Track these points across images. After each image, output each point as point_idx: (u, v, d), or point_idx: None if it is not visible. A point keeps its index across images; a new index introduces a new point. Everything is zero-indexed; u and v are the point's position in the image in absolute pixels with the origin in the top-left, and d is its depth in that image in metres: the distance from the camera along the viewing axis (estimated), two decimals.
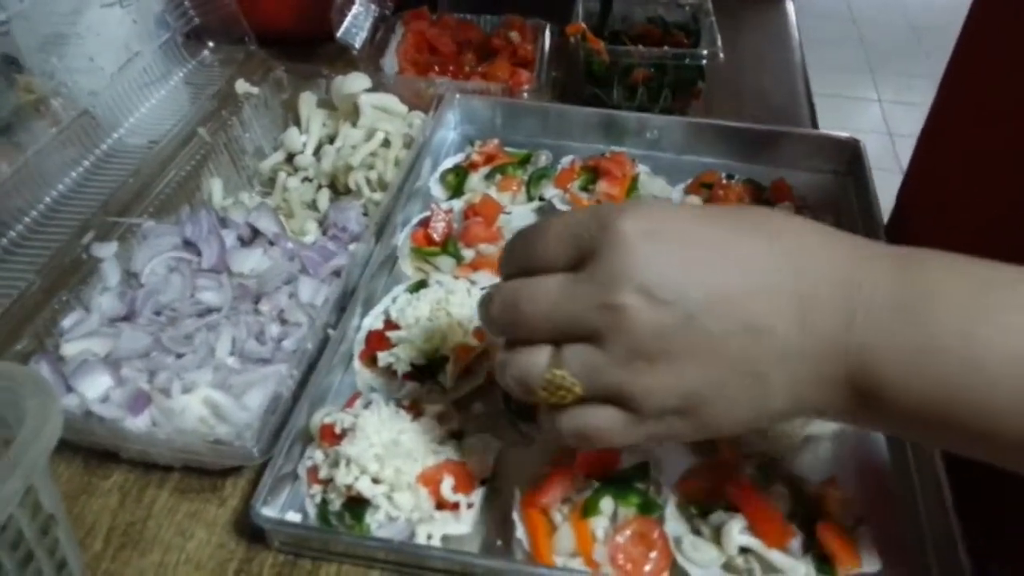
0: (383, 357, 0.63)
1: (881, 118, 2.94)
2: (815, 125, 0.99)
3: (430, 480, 0.54)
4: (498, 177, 0.83)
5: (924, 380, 0.39)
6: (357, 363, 0.65)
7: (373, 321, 0.66)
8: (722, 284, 0.41)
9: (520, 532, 0.54)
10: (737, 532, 0.52)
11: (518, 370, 0.44)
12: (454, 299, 0.65)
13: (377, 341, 0.64)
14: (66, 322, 0.65)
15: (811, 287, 0.41)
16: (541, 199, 0.82)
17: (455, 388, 0.63)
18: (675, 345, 0.41)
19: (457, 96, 0.91)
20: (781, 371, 0.41)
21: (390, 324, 0.65)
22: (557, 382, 0.43)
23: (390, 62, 0.99)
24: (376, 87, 0.87)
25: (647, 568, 0.52)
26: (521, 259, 0.46)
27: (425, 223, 0.76)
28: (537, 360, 0.43)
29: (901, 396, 0.40)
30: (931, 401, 0.39)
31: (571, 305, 0.42)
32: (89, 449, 0.60)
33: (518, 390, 0.45)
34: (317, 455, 0.57)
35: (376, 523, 0.54)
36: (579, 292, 0.42)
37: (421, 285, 0.68)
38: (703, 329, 0.40)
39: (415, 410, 0.59)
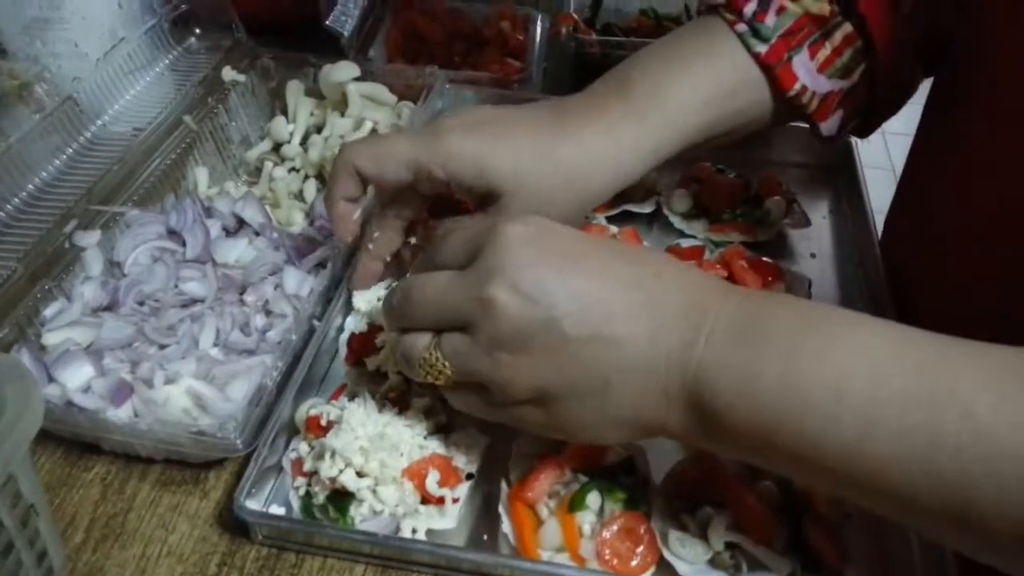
0: (371, 362, 0.62)
1: None
2: None
3: (415, 474, 0.54)
4: None
5: (749, 402, 0.43)
6: (343, 364, 0.64)
7: (356, 323, 0.66)
8: (585, 294, 0.45)
9: (506, 526, 0.54)
10: (724, 528, 0.52)
11: (402, 350, 0.50)
12: None
13: (361, 344, 0.63)
14: (48, 311, 0.64)
15: (664, 307, 0.45)
16: None
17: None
18: (534, 342, 0.45)
19: (446, 86, 0.90)
20: (627, 380, 0.45)
21: (375, 327, 0.64)
22: (432, 363, 0.48)
23: (379, 51, 0.98)
24: (364, 76, 0.86)
25: (633, 563, 0.52)
26: (428, 260, 0.51)
27: None
28: (417, 343, 0.49)
29: (731, 418, 0.43)
30: (757, 424, 0.43)
31: (450, 296, 0.47)
32: (70, 440, 0.60)
33: (404, 369, 0.51)
34: (302, 447, 0.56)
35: (360, 517, 0.53)
36: (458, 284, 0.47)
37: None
38: (562, 331, 0.44)
39: (401, 403, 0.58)
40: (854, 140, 0.85)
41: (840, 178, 0.84)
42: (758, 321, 0.44)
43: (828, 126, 0.68)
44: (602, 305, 0.45)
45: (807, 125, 0.69)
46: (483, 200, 0.59)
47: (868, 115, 0.70)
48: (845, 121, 0.68)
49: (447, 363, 0.48)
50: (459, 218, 0.60)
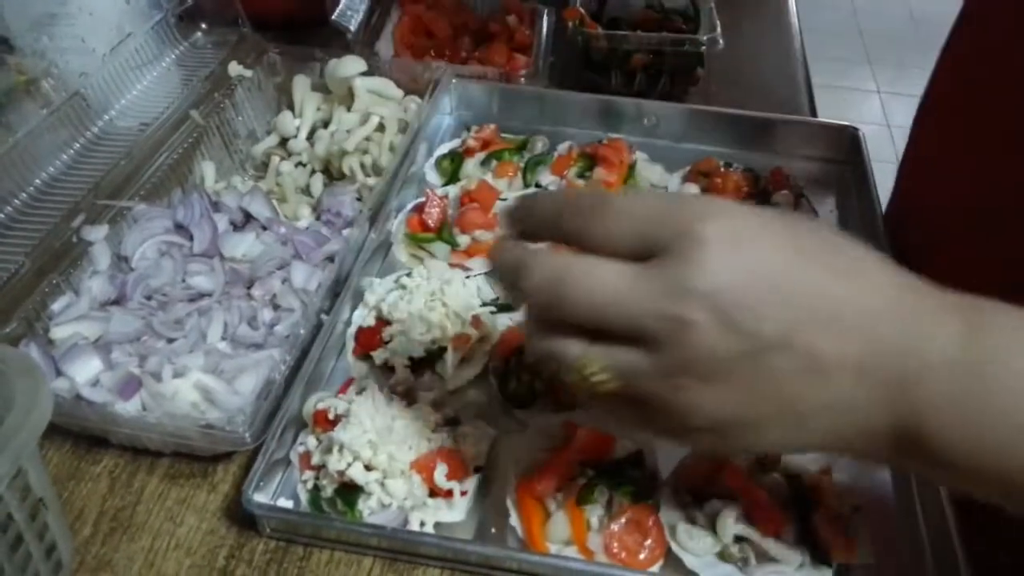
0: (379, 355, 0.62)
1: (880, 109, 2.93)
2: (814, 114, 0.98)
3: (423, 467, 0.54)
4: (494, 163, 0.82)
5: (981, 445, 0.38)
6: (351, 357, 0.64)
7: (363, 316, 0.65)
8: (794, 322, 0.38)
9: (514, 519, 0.54)
10: (732, 520, 0.52)
11: (550, 351, 0.41)
12: (449, 289, 0.64)
13: (368, 338, 0.63)
14: (56, 306, 0.64)
15: (878, 334, 0.38)
16: (538, 186, 0.81)
17: (454, 377, 0.63)
18: (731, 373, 0.38)
19: (453, 80, 0.90)
20: (825, 417, 0.39)
21: (382, 320, 0.64)
22: (587, 374, 0.40)
23: (385, 46, 0.98)
24: (371, 71, 0.86)
25: (641, 556, 0.52)
26: (572, 228, 0.41)
27: (420, 209, 0.75)
28: (572, 348, 0.40)
29: (956, 457, 0.38)
30: (986, 464, 0.38)
31: (631, 305, 0.38)
32: (79, 434, 0.60)
33: (548, 362, 0.42)
34: (310, 441, 0.56)
35: (368, 510, 0.53)
36: (643, 294, 0.38)
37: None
38: (767, 365, 0.38)
39: (409, 397, 0.58)
40: (861, 133, 0.84)
41: (848, 172, 0.84)
42: (988, 352, 0.38)
43: None
44: (813, 334, 0.38)
45: None
46: None
47: None
48: None
49: (612, 378, 0.40)
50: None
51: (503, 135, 0.85)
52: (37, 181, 0.76)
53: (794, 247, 0.40)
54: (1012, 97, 0.60)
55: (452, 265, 0.71)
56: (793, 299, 0.38)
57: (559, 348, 0.40)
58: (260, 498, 0.54)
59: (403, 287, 0.65)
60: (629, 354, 0.39)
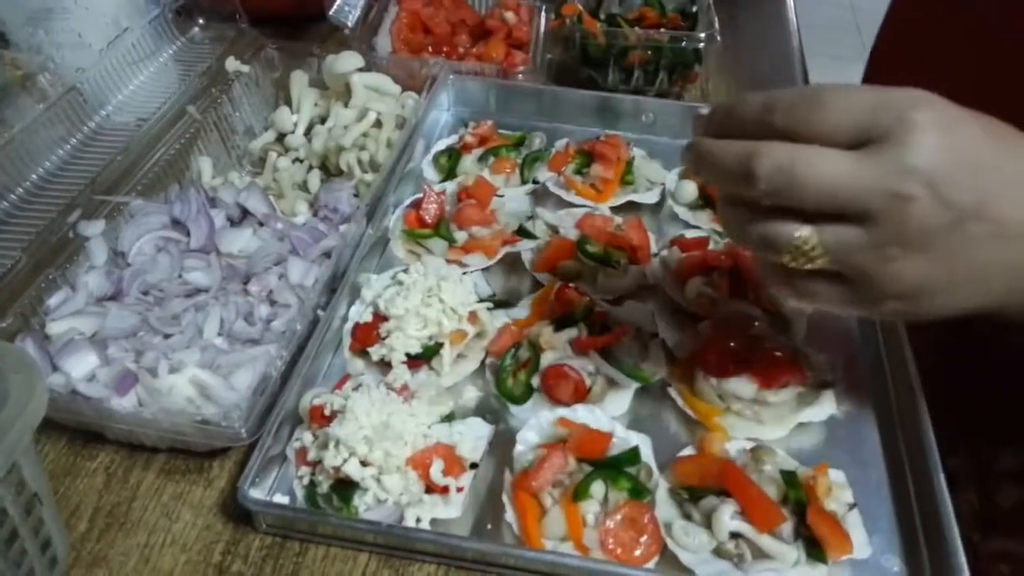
0: (375, 351, 0.62)
1: None
2: None
3: (419, 463, 0.54)
4: (491, 159, 0.82)
5: None
6: (347, 354, 0.64)
7: (360, 312, 0.65)
8: (988, 194, 0.43)
9: (510, 515, 0.54)
10: (728, 517, 0.52)
11: (768, 231, 0.45)
12: (446, 286, 0.64)
13: (365, 334, 0.63)
14: (52, 301, 0.64)
15: None
16: (535, 182, 0.81)
17: (451, 374, 0.63)
18: (936, 241, 0.43)
19: (451, 77, 0.90)
20: (1006, 276, 0.45)
21: (378, 316, 0.64)
22: (804, 251, 0.45)
23: (383, 42, 0.97)
24: (369, 67, 0.86)
25: (637, 552, 0.52)
26: (787, 123, 0.45)
27: (417, 205, 0.75)
28: (789, 227, 0.45)
29: None
30: None
31: (855, 184, 0.43)
32: (75, 429, 0.60)
33: (760, 247, 0.47)
34: (306, 437, 0.56)
35: (364, 506, 0.53)
36: (866, 174, 0.42)
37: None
38: (961, 233, 0.43)
39: (406, 393, 0.58)
40: None
41: None
42: None
43: None
44: (1003, 204, 0.43)
45: None
46: None
47: None
48: None
49: (825, 254, 0.44)
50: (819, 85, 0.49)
51: (501, 131, 0.85)
52: (33, 176, 0.76)
53: (990, 131, 0.45)
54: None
55: (449, 261, 0.71)
56: (990, 174, 0.43)
57: (779, 230, 0.45)
58: (256, 494, 0.54)
59: (400, 283, 0.65)
60: (847, 231, 0.44)
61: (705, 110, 0.49)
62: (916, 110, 0.43)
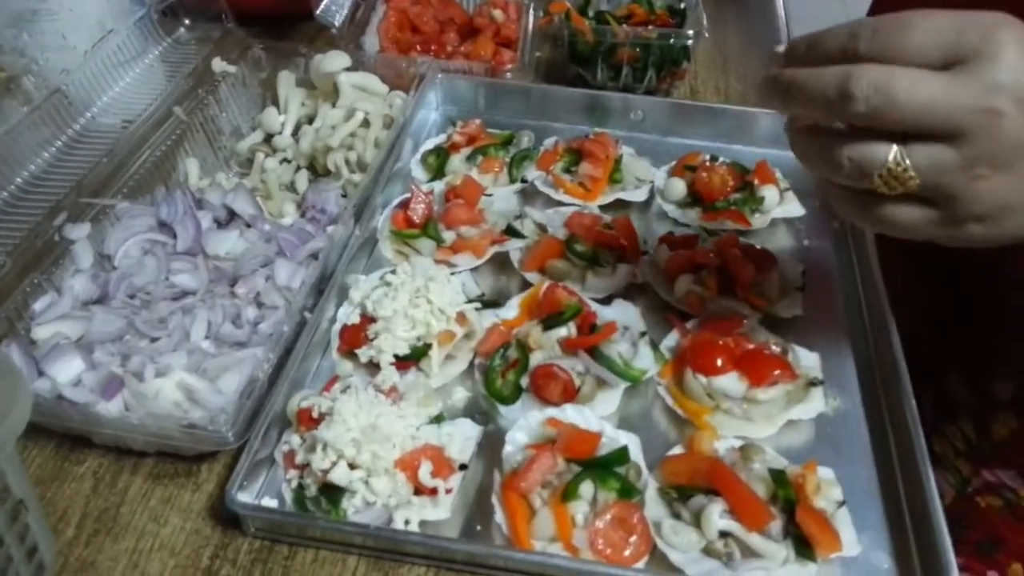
0: (364, 353, 0.62)
1: None
2: None
3: (408, 465, 0.54)
4: (480, 158, 0.82)
5: None
6: (335, 355, 0.64)
7: (348, 314, 0.65)
8: None
9: (499, 516, 0.54)
10: (717, 516, 0.52)
11: (861, 154, 0.45)
12: (434, 286, 0.64)
13: (353, 335, 0.63)
14: (38, 305, 0.64)
15: None
16: (524, 181, 0.81)
17: (439, 375, 0.63)
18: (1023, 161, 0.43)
19: (439, 76, 0.89)
20: None
21: (366, 318, 0.64)
22: (897, 173, 0.45)
23: (371, 41, 0.97)
24: (356, 66, 0.86)
25: (627, 553, 0.52)
26: (874, 47, 0.45)
27: (405, 205, 0.75)
28: (883, 149, 0.45)
29: None
30: None
31: (949, 102, 0.43)
32: (62, 434, 0.59)
33: (850, 172, 0.46)
34: (294, 440, 0.56)
35: (353, 508, 0.53)
36: (959, 92, 0.43)
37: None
38: None
39: (394, 394, 0.58)
40: None
41: None
42: None
43: None
44: None
45: None
46: None
47: None
48: None
49: (916, 174, 0.45)
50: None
51: (489, 130, 0.85)
52: (18, 179, 0.75)
53: None
54: None
55: (437, 261, 0.70)
56: None
57: (874, 151, 0.45)
58: (244, 497, 0.53)
59: (388, 284, 0.65)
60: (939, 150, 0.44)
61: (782, 48, 0.49)
62: (1001, 29, 0.43)
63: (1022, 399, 0.66)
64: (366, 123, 0.82)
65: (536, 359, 0.62)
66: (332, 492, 0.53)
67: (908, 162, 0.45)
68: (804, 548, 0.51)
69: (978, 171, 0.44)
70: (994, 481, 0.67)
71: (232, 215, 0.73)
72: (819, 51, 0.47)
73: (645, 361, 0.63)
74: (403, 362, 0.62)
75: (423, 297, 0.63)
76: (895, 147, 0.45)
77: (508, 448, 0.57)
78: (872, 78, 0.44)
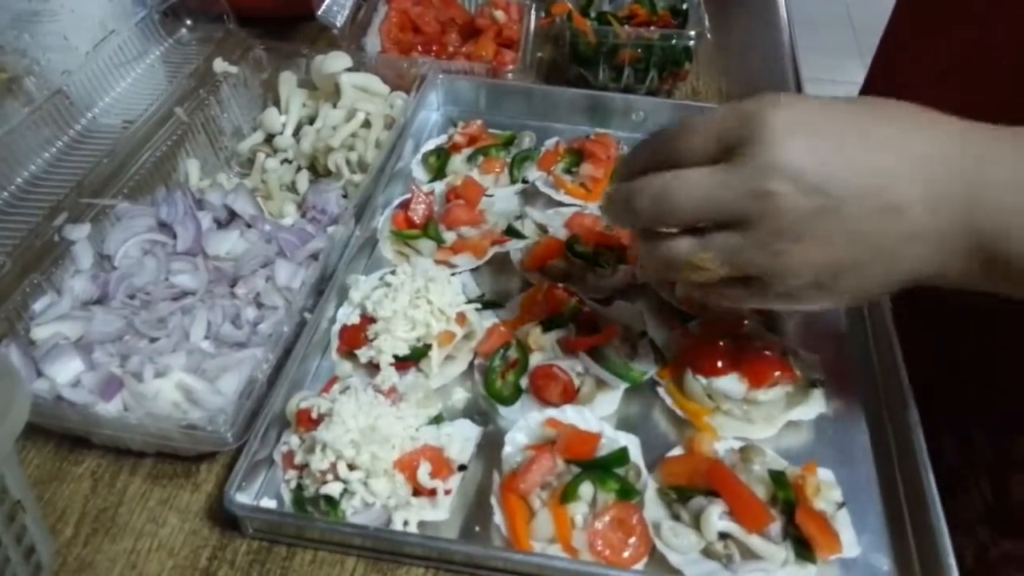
0: (363, 353, 0.62)
1: None
2: None
3: (407, 466, 0.54)
4: (481, 159, 0.82)
5: None
6: (335, 356, 0.64)
7: (348, 314, 0.65)
8: (861, 172, 0.45)
9: (498, 517, 0.53)
10: (716, 517, 0.52)
11: (666, 251, 0.49)
12: (434, 287, 0.64)
13: (353, 336, 0.63)
14: (37, 305, 0.64)
15: (937, 163, 0.45)
16: (524, 181, 0.81)
17: (439, 375, 0.62)
18: (817, 227, 0.45)
19: (440, 76, 0.89)
20: (910, 248, 0.46)
21: (366, 318, 0.63)
22: (701, 264, 0.48)
23: (372, 41, 0.97)
24: (357, 67, 0.86)
25: (626, 554, 0.52)
26: (660, 154, 0.49)
27: (406, 205, 0.75)
28: (680, 245, 0.48)
29: None
30: None
31: (723, 193, 0.46)
32: (61, 435, 0.59)
33: (664, 271, 0.50)
34: (293, 440, 0.56)
35: (352, 509, 0.53)
36: (731, 181, 0.45)
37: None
38: (845, 213, 0.45)
39: (394, 395, 0.58)
40: None
41: None
42: None
43: None
44: (879, 176, 0.45)
45: None
46: None
47: None
48: None
49: (720, 262, 0.47)
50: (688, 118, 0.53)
51: (490, 131, 0.85)
52: (19, 179, 0.75)
53: (851, 113, 0.47)
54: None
55: (438, 262, 0.70)
56: (857, 155, 0.45)
57: (671, 249, 0.49)
58: (243, 498, 0.53)
59: (388, 284, 0.65)
60: (731, 237, 0.46)
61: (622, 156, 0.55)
62: (765, 111, 0.45)
63: None
64: (367, 124, 0.82)
65: (536, 360, 0.62)
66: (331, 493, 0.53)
67: (708, 253, 0.47)
68: (804, 550, 0.51)
69: (777, 247, 0.46)
70: (1013, 551, 0.65)
71: (232, 215, 0.73)
72: (634, 168, 0.51)
73: (645, 362, 0.63)
74: (403, 363, 0.62)
75: (423, 298, 0.63)
76: (694, 241, 0.48)
77: (507, 449, 0.57)
78: (649, 190, 0.48)
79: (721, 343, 0.62)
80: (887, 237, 0.46)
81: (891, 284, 0.48)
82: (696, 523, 0.52)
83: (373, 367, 0.62)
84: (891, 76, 0.79)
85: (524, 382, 0.62)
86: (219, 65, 0.86)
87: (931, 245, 0.46)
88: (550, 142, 0.84)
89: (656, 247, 0.50)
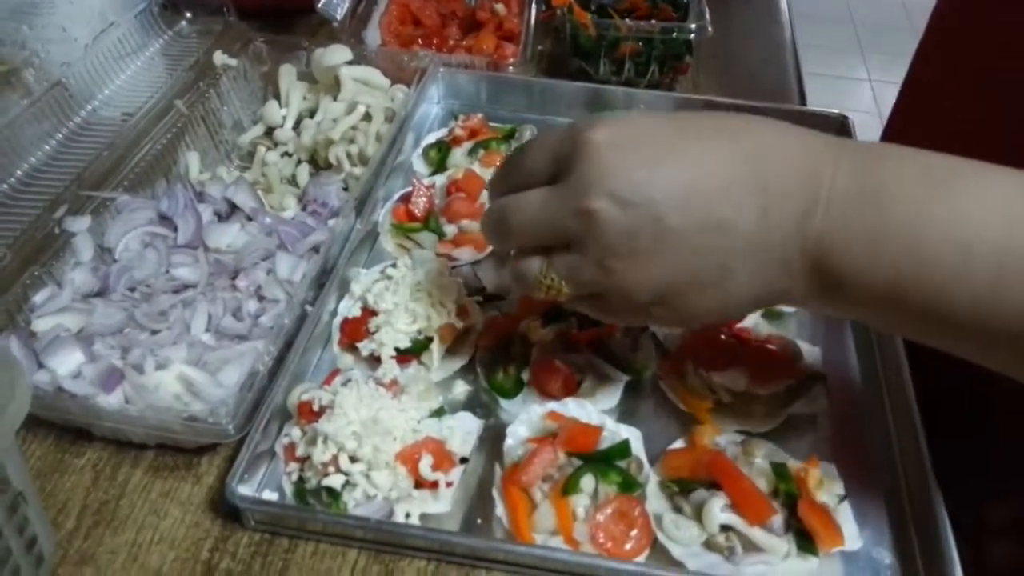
0: (364, 346, 0.62)
1: (871, 97, 2.93)
2: (804, 102, 0.98)
3: (409, 458, 0.54)
4: (481, 152, 0.81)
5: (877, 264, 0.43)
6: (336, 349, 0.64)
7: (349, 307, 0.65)
8: (685, 184, 0.44)
9: (500, 510, 0.53)
10: (718, 510, 0.52)
11: (515, 275, 0.50)
12: (435, 280, 0.64)
13: (354, 329, 0.63)
14: (38, 297, 0.63)
15: (771, 181, 0.44)
16: None
17: (440, 368, 0.62)
18: (644, 244, 0.44)
19: (441, 69, 0.89)
20: (745, 262, 0.45)
21: (367, 311, 0.63)
22: (548, 284, 0.49)
23: (372, 34, 0.97)
24: (358, 60, 0.85)
25: (628, 546, 0.52)
26: (508, 179, 0.50)
27: (406, 199, 0.74)
28: (530, 267, 0.49)
29: (858, 280, 0.43)
30: (884, 284, 0.43)
31: (548, 214, 0.46)
32: (62, 427, 0.59)
33: (524, 291, 0.51)
34: (294, 432, 0.56)
35: (354, 501, 0.53)
36: (555, 202, 0.46)
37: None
38: (668, 228, 0.44)
39: (395, 388, 0.58)
40: (850, 121, 0.84)
41: None
42: (879, 181, 0.43)
43: None
44: (704, 192, 0.44)
45: None
46: None
47: None
48: None
49: (564, 282, 0.48)
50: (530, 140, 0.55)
51: (491, 124, 0.84)
52: (19, 172, 0.75)
53: (674, 128, 0.47)
54: (992, 85, 0.60)
55: (439, 255, 0.70)
56: (675, 163, 0.45)
57: (523, 268, 0.49)
58: (244, 490, 0.53)
59: (389, 277, 0.65)
60: (567, 257, 0.47)
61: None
62: (588, 130, 0.45)
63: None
64: (367, 117, 0.82)
65: (537, 353, 0.62)
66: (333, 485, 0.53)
67: (551, 272, 0.48)
68: (806, 542, 0.51)
69: (609, 265, 0.45)
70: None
71: (233, 208, 0.73)
72: (493, 190, 0.53)
73: (646, 355, 0.63)
74: (404, 355, 0.62)
75: (424, 291, 0.63)
76: (541, 261, 0.48)
77: (509, 442, 0.57)
78: (490, 213, 0.50)
79: (723, 336, 0.62)
80: (717, 253, 0.44)
81: (743, 301, 0.47)
82: (698, 516, 0.52)
83: (374, 360, 0.62)
84: (934, 73, 0.76)
85: (525, 375, 0.61)
86: (219, 58, 0.86)
87: (766, 261, 0.45)
88: None
89: (512, 268, 0.50)
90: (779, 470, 0.53)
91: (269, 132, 0.84)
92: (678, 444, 0.58)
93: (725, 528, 0.52)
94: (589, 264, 0.46)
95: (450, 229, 0.73)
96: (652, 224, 0.44)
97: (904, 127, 0.78)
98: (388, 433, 0.54)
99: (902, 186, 0.43)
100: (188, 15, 0.95)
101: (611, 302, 0.48)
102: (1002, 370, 0.44)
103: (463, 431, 0.57)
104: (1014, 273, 0.40)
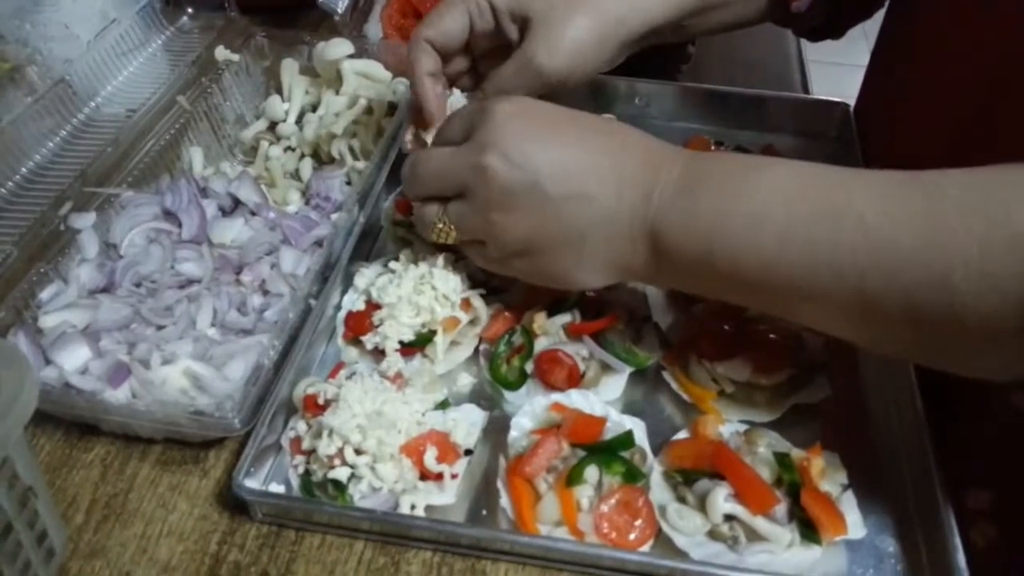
0: (369, 339, 0.62)
1: None
2: (807, 91, 0.97)
3: (414, 450, 0.54)
4: None
5: (690, 238, 0.51)
6: (341, 342, 0.64)
7: (353, 301, 0.65)
8: (563, 159, 0.53)
9: (504, 501, 0.54)
10: (722, 500, 0.52)
11: (417, 217, 0.59)
12: (439, 273, 0.64)
13: (358, 322, 0.63)
14: (44, 294, 0.64)
15: (627, 168, 0.53)
16: None
17: (444, 361, 0.63)
18: (521, 201, 0.53)
19: None
20: (599, 231, 0.53)
21: (371, 305, 0.64)
22: (441, 227, 0.57)
23: (374, 28, 0.97)
24: (359, 53, 0.85)
25: (632, 536, 0.52)
26: (439, 137, 0.60)
27: None
28: (429, 210, 0.58)
29: (679, 252, 0.52)
30: (696, 254, 0.51)
31: (451, 166, 0.55)
32: (70, 422, 0.60)
33: (421, 232, 0.60)
34: (300, 426, 0.56)
35: (359, 493, 0.53)
36: (458, 157, 0.55)
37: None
38: (544, 192, 0.53)
39: (399, 381, 0.58)
40: (851, 110, 0.84)
41: (840, 148, 0.84)
42: (701, 174, 0.52)
43: (799, 3, 0.72)
44: (577, 168, 0.53)
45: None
46: (521, 34, 0.64)
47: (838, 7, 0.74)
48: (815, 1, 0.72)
49: (453, 225, 0.57)
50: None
51: None
52: (23, 169, 0.75)
53: (565, 115, 0.56)
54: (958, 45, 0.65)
55: (442, 248, 0.70)
56: (560, 141, 0.54)
57: (424, 210, 0.58)
58: (251, 483, 0.54)
59: (392, 271, 0.65)
60: (460, 204, 0.56)
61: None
62: (495, 103, 0.55)
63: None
64: (369, 110, 0.82)
65: (541, 345, 0.62)
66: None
67: (446, 218, 0.57)
68: (809, 531, 0.51)
69: (490, 216, 0.54)
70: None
71: (236, 203, 0.73)
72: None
73: (650, 346, 0.63)
74: (408, 348, 0.62)
75: (427, 284, 0.63)
76: (437, 207, 0.57)
77: (513, 433, 0.57)
78: (407, 166, 0.59)
79: (726, 327, 0.62)
80: (578, 220, 0.53)
81: (597, 265, 0.55)
82: (702, 505, 0.53)
83: (379, 353, 0.62)
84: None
85: (529, 367, 0.62)
86: (221, 53, 0.86)
87: (616, 234, 0.53)
88: None
89: (415, 212, 0.59)
90: (782, 459, 0.54)
91: (272, 127, 0.84)
92: (681, 434, 0.58)
93: (729, 518, 0.52)
94: (475, 213, 0.55)
95: None
96: (531, 187, 0.52)
97: (877, 82, 0.84)
98: (393, 426, 0.54)
99: (713, 178, 0.51)
100: (190, 11, 0.96)
101: (486, 248, 0.56)
102: (809, 324, 0.52)
103: (467, 423, 0.57)
104: (790, 241, 0.48)
